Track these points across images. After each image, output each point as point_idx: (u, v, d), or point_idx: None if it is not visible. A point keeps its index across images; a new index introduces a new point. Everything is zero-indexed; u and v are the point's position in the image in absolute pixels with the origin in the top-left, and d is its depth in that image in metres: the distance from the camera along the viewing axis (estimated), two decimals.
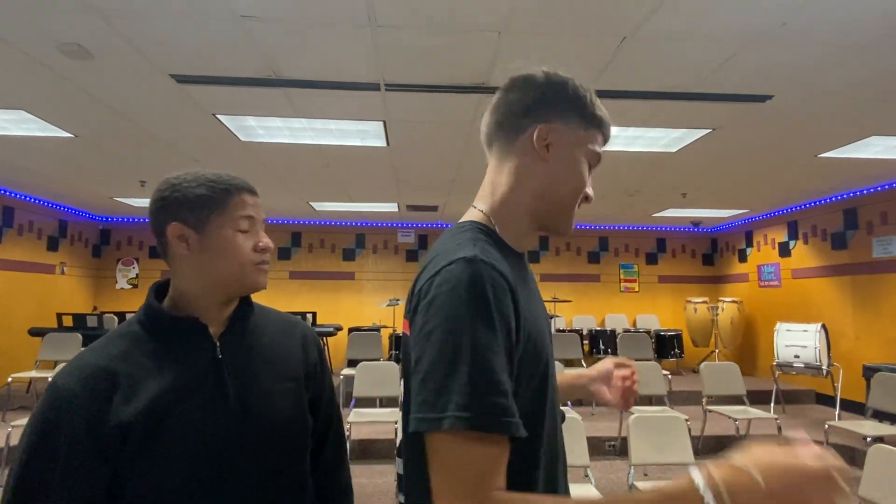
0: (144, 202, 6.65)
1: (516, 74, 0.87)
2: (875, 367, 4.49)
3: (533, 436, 0.72)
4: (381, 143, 4.14)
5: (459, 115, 3.56)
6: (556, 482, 0.79)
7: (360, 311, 8.06)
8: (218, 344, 0.90)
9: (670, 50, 2.63)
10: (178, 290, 0.91)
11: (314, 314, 7.04)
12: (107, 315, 6.48)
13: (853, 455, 4.26)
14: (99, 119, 3.63)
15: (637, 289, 8.53)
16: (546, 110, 0.83)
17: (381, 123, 3.71)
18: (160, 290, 0.93)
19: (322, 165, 4.79)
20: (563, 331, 7.13)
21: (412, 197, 6.30)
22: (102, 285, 8.03)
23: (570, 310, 8.20)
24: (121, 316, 6.64)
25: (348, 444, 4.09)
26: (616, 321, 8.11)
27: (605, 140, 0.87)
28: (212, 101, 3.32)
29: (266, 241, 0.94)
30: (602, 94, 3.24)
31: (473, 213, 0.87)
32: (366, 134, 3.98)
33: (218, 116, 3.58)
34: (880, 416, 4.12)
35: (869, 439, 3.59)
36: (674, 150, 4.26)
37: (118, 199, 6.52)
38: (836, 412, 4.93)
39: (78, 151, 4.41)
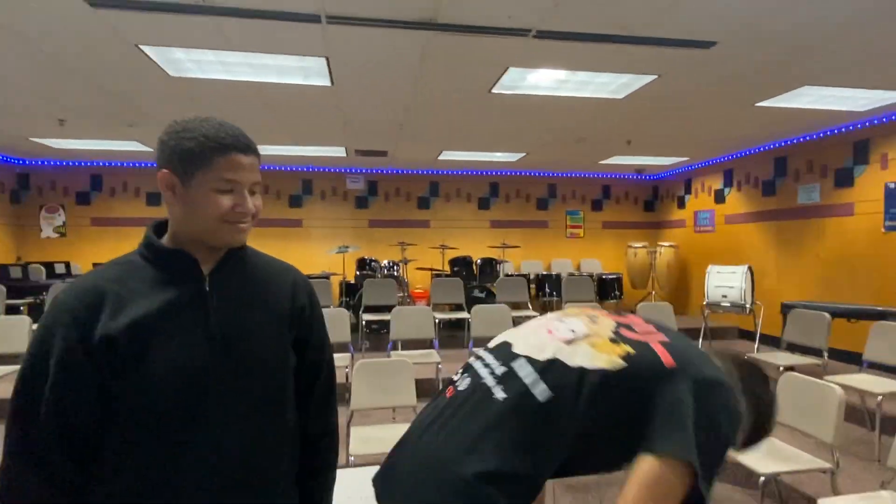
0: (66, 143, 6.12)
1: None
2: (791, 304, 4.89)
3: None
4: (325, 81, 3.94)
5: (407, 56, 3.41)
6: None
7: (309, 259, 7.92)
8: (207, 278, 0.95)
9: None
10: (172, 229, 0.97)
11: None
12: (32, 265, 6.07)
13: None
14: (10, 50, 3.24)
15: (582, 234, 8.80)
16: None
17: (324, 60, 3.51)
18: (159, 226, 0.99)
19: (261, 104, 4.53)
20: (512, 275, 7.32)
21: (360, 141, 6.11)
22: (25, 234, 7.46)
23: (519, 255, 8.39)
24: (48, 266, 6.24)
25: None
26: (562, 266, 8.39)
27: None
28: (133, 30, 3.02)
29: (246, 205, 0.93)
30: (551, 34, 3.17)
31: None
32: (308, 71, 3.77)
33: (141, 47, 3.27)
34: (794, 348, 4.53)
35: (781, 368, 3.96)
36: (621, 96, 4.29)
37: (36, 140, 5.96)
38: (756, 346, 5.38)
39: None
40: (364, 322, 5.73)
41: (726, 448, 0.90)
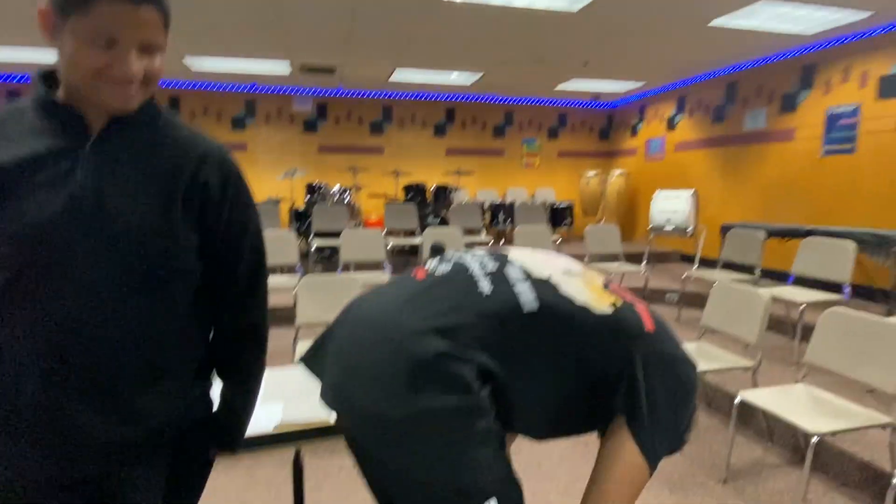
0: None
1: None
2: (730, 226, 5.09)
3: None
4: None
5: None
6: None
7: (256, 185, 7.58)
8: (92, 136, 0.82)
9: None
10: (61, 78, 0.82)
11: None
12: None
13: (703, 300, 4.97)
14: None
15: (537, 164, 8.77)
16: None
17: None
18: (49, 74, 0.85)
19: (187, 4, 4.09)
20: (465, 203, 7.28)
21: (305, 54, 5.70)
22: None
23: (475, 183, 8.31)
24: None
25: None
26: (517, 194, 8.40)
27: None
28: None
29: (126, 67, 0.77)
30: None
31: None
32: None
33: None
34: (730, 266, 4.75)
35: (716, 283, 4.16)
36: (575, 9, 4.12)
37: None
38: (695, 266, 5.63)
39: None
40: (314, 248, 5.60)
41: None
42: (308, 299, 2.83)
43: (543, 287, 0.90)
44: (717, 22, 4.39)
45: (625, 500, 0.87)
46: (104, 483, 0.84)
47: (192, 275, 0.89)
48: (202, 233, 0.89)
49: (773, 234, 4.80)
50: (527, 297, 0.87)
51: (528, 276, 0.91)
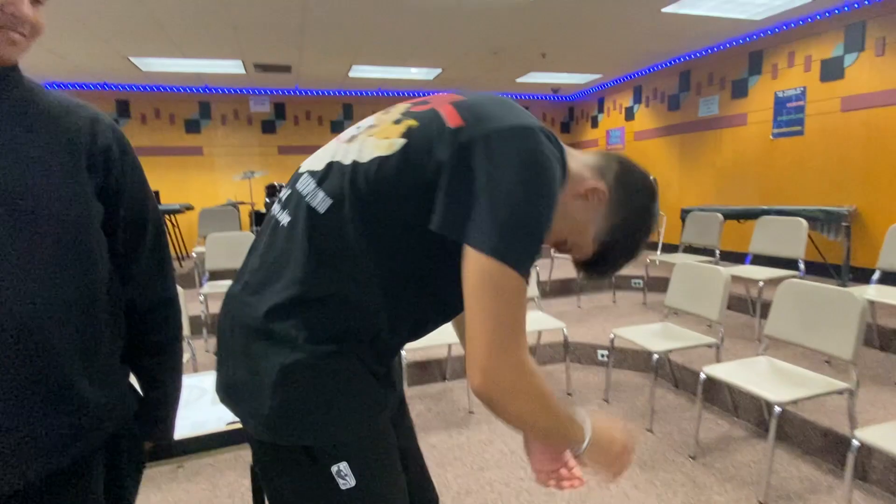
0: None
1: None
2: (689, 210, 5.20)
3: None
4: None
5: None
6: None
7: (213, 188, 7.36)
8: None
9: None
10: None
11: (156, 193, 6.28)
12: None
13: (667, 283, 5.07)
14: None
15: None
16: (619, 190, 0.87)
17: None
18: None
19: (134, 2, 3.91)
20: None
21: (258, 52, 5.54)
22: None
23: None
24: None
25: (203, 317, 3.89)
26: None
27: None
28: None
29: (18, 7, 0.72)
30: None
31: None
32: None
33: None
34: (691, 250, 4.85)
35: (678, 264, 4.24)
36: None
37: None
38: (658, 252, 5.74)
39: None
40: None
41: (544, 209, 0.70)
42: None
43: (328, 177, 0.78)
44: (669, 9, 4.47)
45: (491, 314, 0.67)
46: (33, 499, 0.74)
47: (105, 245, 0.83)
48: (106, 200, 0.83)
49: (729, 216, 4.93)
50: (318, 199, 0.77)
51: (313, 175, 0.81)
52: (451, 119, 0.74)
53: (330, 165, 0.80)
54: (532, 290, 3.39)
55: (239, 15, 4.38)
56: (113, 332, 0.85)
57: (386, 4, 4.19)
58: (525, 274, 0.68)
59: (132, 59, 5.62)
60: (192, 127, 7.36)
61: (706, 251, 4.70)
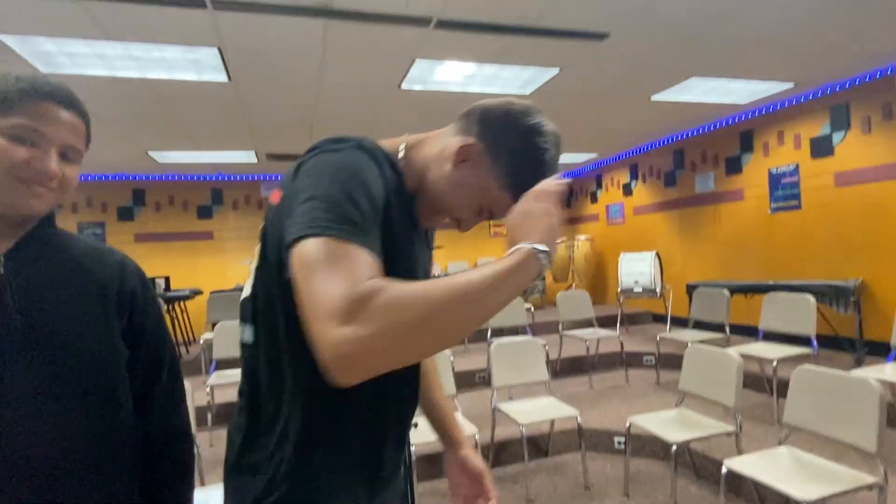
0: None
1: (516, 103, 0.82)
2: (695, 285, 5.21)
3: None
4: (222, 76, 3.70)
5: (307, 44, 3.27)
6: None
7: (223, 273, 7.46)
8: (2, 259, 0.79)
9: None
10: None
11: (166, 279, 6.38)
12: None
13: (680, 360, 4.97)
14: None
15: (505, 233, 8.94)
16: (487, 135, 0.80)
17: (216, 51, 3.28)
18: None
19: (153, 103, 4.19)
20: (438, 276, 7.29)
21: (270, 144, 5.83)
22: None
23: (444, 256, 8.38)
24: None
25: (208, 408, 3.82)
26: None
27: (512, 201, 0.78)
28: None
29: (47, 163, 0.77)
30: (452, 24, 3.14)
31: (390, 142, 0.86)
32: (201, 66, 3.52)
33: (1, 38, 2.90)
34: (700, 325, 4.81)
35: (689, 344, 4.19)
36: (528, 91, 4.38)
37: None
38: (668, 327, 5.68)
39: None
40: None
41: (344, 185, 0.68)
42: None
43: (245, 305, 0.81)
44: (658, 97, 4.73)
45: (308, 291, 0.60)
46: None
47: (127, 384, 0.87)
48: (129, 341, 0.88)
49: (736, 290, 4.92)
50: (245, 334, 0.81)
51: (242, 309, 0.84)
52: (274, 197, 0.77)
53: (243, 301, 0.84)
54: (542, 372, 3.34)
55: (255, 115, 4.67)
56: (132, 467, 0.87)
57: (389, 102, 4.46)
58: (337, 234, 0.62)
59: (151, 153, 5.92)
60: (205, 213, 7.60)
61: (715, 326, 4.65)
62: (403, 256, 0.81)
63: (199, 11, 2.75)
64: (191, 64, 3.49)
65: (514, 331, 5.20)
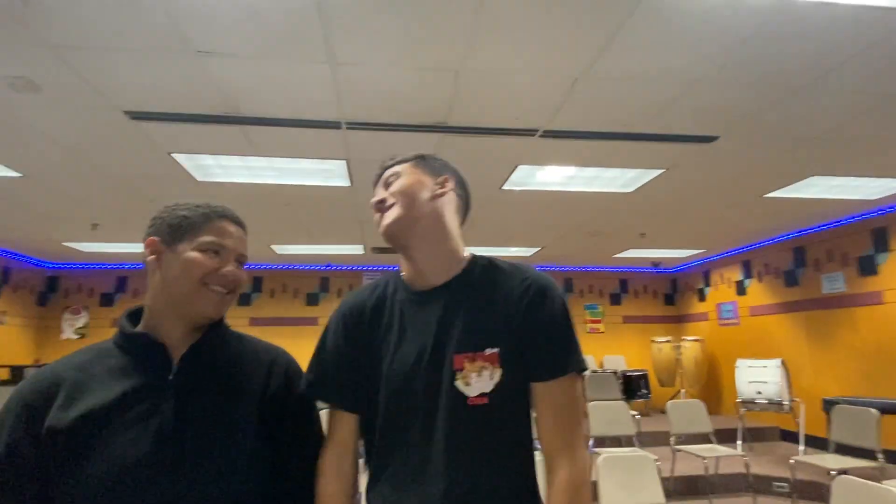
0: (96, 247, 6.39)
1: None
2: (833, 401, 4.58)
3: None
4: (345, 182, 4.14)
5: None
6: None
7: None
8: (176, 365, 0.90)
9: (618, 91, 2.76)
10: (149, 307, 0.95)
11: None
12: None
13: (820, 490, 4.26)
14: (48, 157, 3.51)
15: (602, 329, 8.60)
16: None
17: (344, 163, 3.71)
18: (134, 312, 0.98)
19: (283, 204, 4.74)
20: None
21: (378, 239, 6.24)
22: (47, 335, 7.55)
23: None
24: None
25: None
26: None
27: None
28: (167, 139, 3.27)
29: (229, 269, 0.95)
30: (558, 133, 3.33)
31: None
32: (328, 173, 3.98)
33: (173, 155, 3.52)
34: (843, 449, 4.16)
35: (833, 473, 3.61)
36: (630, 189, 4.40)
37: (68, 244, 6.25)
38: (801, 447, 4.96)
39: (25, 191, 4.24)
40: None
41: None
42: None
43: None
44: (773, 195, 4.53)
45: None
46: None
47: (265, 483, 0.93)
48: (277, 436, 0.95)
49: (887, 410, 4.25)
50: None
51: None
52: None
53: None
54: (657, 493, 3.03)
55: (369, 214, 5.10)
56: None
57: (490, 202, 4.69)
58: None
59: (272, 246, 6.59)
60: (312, 300, 8.16)
61: (863, 451, 3.99)
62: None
63: (334, 131, 3.18)
64: (320, 172, 3.96)
65: (618, 441, 4.82)
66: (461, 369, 0.90)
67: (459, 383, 0.89)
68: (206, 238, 0.93)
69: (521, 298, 0.94)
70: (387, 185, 1.05)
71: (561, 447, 0.87)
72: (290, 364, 1.04)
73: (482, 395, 0.89)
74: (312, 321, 8.04)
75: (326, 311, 8.11)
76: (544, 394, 0.90)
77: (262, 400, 0.95)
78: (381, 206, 1.03)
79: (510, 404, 0.91)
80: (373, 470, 0.95)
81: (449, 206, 1.05)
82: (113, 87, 2.63)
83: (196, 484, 0.83)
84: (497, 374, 0.90)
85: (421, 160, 1.09)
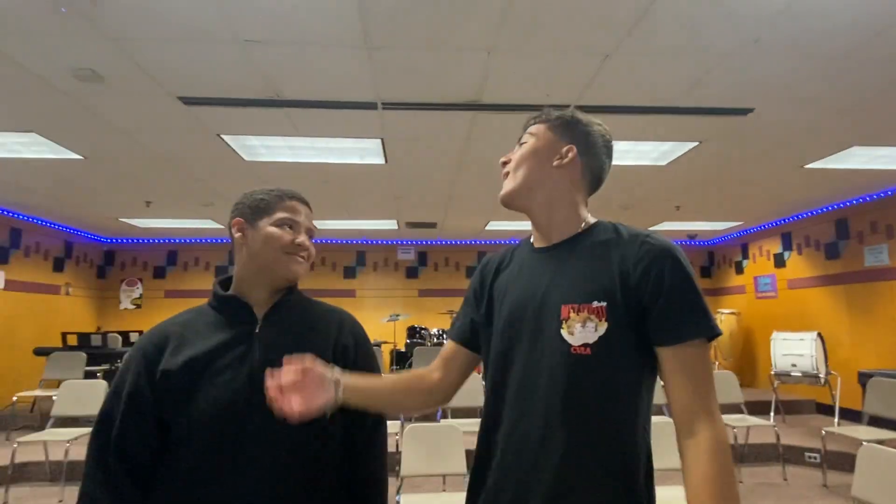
0: (149, 222, 6.79)
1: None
2: (869, 373, 4.54)
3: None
4: (380, 160, 4.28)
5: (455, 132, 3.70)
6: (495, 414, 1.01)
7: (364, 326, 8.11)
8: (259, 322, 1.09)
9: (650, 66, 2.77)
10: (237, 276, 1.13)
11: None
12: (111, 334, 6.57)
13: (852, 461, 4.27)
14: (108, 141, 3.78)
15: None
16: None
17: (380, 141, 3.85)
18: (223, 281, 1.16)
19: (321, 182, 4.93)
20: None
21: (411, 213, 6.43)
22: (106, 306, 8.12)
23: None
24: (124, 336, 6.74)
25: None
26: None
27: None
28: (216, 122, 3.47)
29: (302, 238, 1.12)
30: (588, 108, 3.37)
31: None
32: (365, 151, 4.13)
33: (222, 136, 3.73)
34: (877, 421, 4.15)
35: (865, 443, 3.62)
36: (664, 163, 4.39)
37: (124, 220, 6.66)
38: (836, 420, 4.95)
39: (87, 173, 4.56)
40: None
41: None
42: (411, 451, 2.83)
43: None
44: (813, 165, 4.43)
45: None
46: None
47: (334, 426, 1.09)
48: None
49: None
50: None
51: None
52: None
53: None
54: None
55: (402, 189, 5.25)
56: (337, 500, 1.09)
57: None
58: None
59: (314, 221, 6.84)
60: (350, 273, 8.45)
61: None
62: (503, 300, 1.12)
63: (371, 112, 3.31)
64: (357, 151, 4.11)
65: (656, 409, 4.91)
66: (567, 318, 0.93)
67: (564, 332, 0.93)
68: (281, 215, 1.10)
69: (638, 260, 0.94)
70: (521, 144, 1.10)
71: (699, 410, 0.86)
72: (355, 324, 1.22)
73: (585, 345, 0.91)
74: (350, 293, 8.35)
75: (364, 284, 8.40)
76: (673, 358, 0.90)
77: (334, 352, 1.12)
78: (504, 168, 1.11)
79: (614, 359, 0.92)
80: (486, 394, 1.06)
81: (569, 174, 1.05)
82: (168, 75, 2.83)
83: (282, 425, 0.98)
84: (602, 327, 0.92)
85: (559, 124, 1.07)
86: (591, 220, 1.08)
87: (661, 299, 0.91)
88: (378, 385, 1.07)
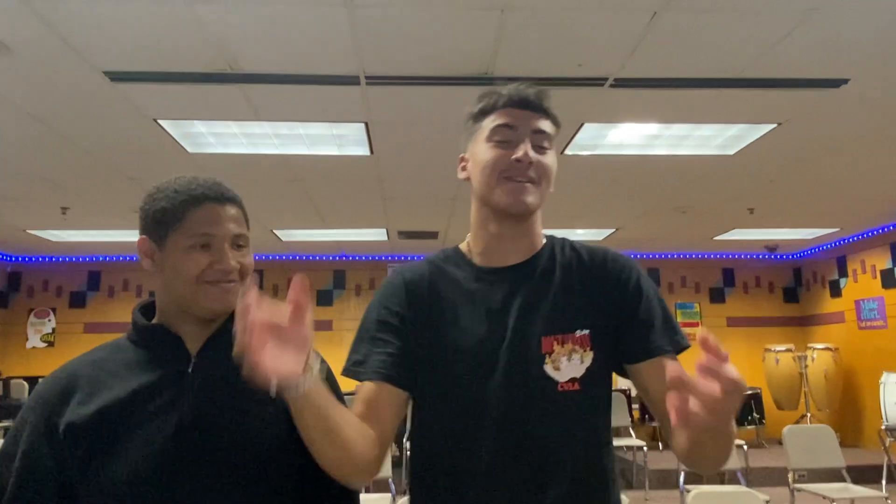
0: (66, 235, 6.86)
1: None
2: None
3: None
4: (364, 150, 4.33)
5: (458, 114, 3.72)
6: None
7: (339, 368, 8.11)
8: (193, 358, 1.07)
9: (711, 25, 2.80)
10: (158, 304, 1.13)
11: None
12: (14, 381, 6.60)
13: None
14: (14, 129, 3.84)
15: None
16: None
17: (363, 126, 3.90)
18: (146, 306, 1.16)
19: (288, 180, 4.98)
20: None
21: (405, 220, 6.47)
22: (9, 343, 8.16)
23: None
24: (31, 381, 6.75)
25: None
26: None
27: None
28: (152, 104, 3.53)
29: (225, 261, 1.06)
30: (636, 82, 3.40)
31: None
32: (344, 140, 4.18)
33: (159, 122, 3.79)
34: None
35: None
36: (731, 152, 4.42)
37: (32, 233, 6.73)
38: None
39: None
40: (409, 454, 5.70)
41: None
42: None
43: None
44: None
45: None
46: None
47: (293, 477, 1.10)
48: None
49: None
50: None
51: None
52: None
53: None
54: None
55: (394, 188, 5.29)
56: None
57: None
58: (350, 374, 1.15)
59: (276, 230, 6.90)
60: (324, 298, 8.48)
61: None
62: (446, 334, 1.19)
63: (353, 88, 3.36)
64: (333, 139, 4.17)
65: (719, 477, 4.88)
66: (550, 352, 1.04)
67: (548, 367, 1.03)
68: (190, 232, 1.05)
69: (608, 277, 1.11)
70: (535, 145, 1.13)
71: None
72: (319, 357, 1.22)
73: (573, 380, 1.03)
74: (326, 325, 8.36)
75: (343, 313, 8.42)
76: (652, 369, 1.05)
77: None
78: (524, 173, 1.11)
79: (598, 391, 1.08)
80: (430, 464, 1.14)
81: None
82: (92, 45, 2.88)
83: (220, 478, 1.00)
84: (588, 358, 1.04)
85: (557, 127, 1.21)
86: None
87: (640, 312, 1.09)
88: (341, 409, 1.04)
